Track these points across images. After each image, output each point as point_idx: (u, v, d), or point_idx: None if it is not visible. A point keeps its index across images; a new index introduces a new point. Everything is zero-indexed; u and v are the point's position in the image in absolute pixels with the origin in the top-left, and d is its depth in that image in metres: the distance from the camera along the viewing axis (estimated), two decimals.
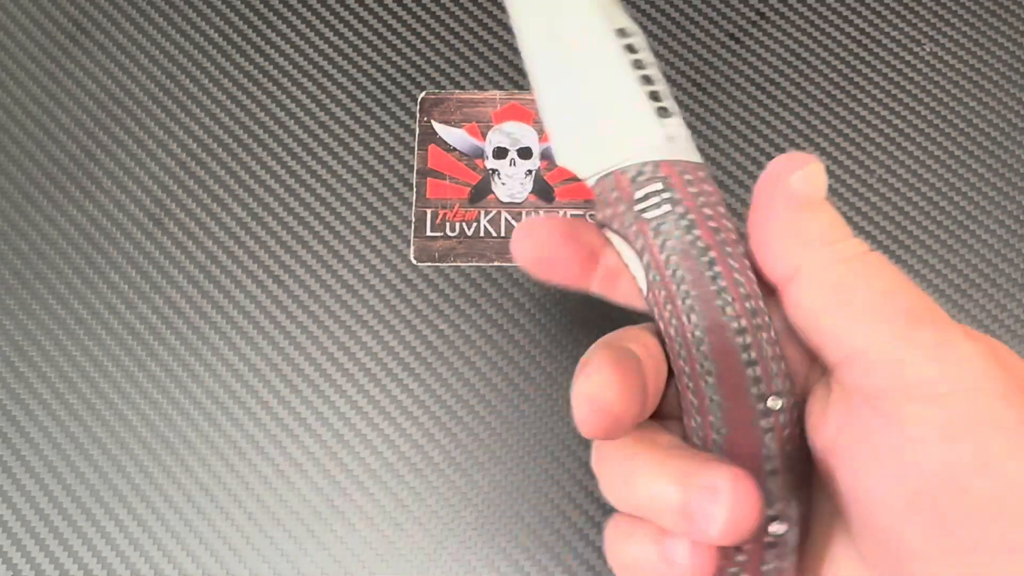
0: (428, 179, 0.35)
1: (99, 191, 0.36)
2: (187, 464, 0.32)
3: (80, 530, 0.31)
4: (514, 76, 0.37)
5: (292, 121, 0.37)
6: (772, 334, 0.19)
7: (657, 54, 0.37)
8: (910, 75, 0.37)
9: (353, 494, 0.32)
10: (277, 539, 0.31)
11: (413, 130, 0.36)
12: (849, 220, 0.35)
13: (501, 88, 0.37)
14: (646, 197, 0.19)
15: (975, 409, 0.17)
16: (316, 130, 0.36)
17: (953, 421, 0.17)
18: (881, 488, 0.18)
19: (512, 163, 0.36)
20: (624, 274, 0.21)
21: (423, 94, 0.37)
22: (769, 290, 0.20)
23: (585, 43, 0.21)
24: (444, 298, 0.34)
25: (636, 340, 0.20)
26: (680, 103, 0.36)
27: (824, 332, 0.19)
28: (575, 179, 0.35)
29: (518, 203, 0.35)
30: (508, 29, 0.38)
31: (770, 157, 0.36)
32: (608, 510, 0.20)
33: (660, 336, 0.20)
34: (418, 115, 0.36)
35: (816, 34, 0.38)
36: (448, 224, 0.35)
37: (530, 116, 0.36)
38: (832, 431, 0.19)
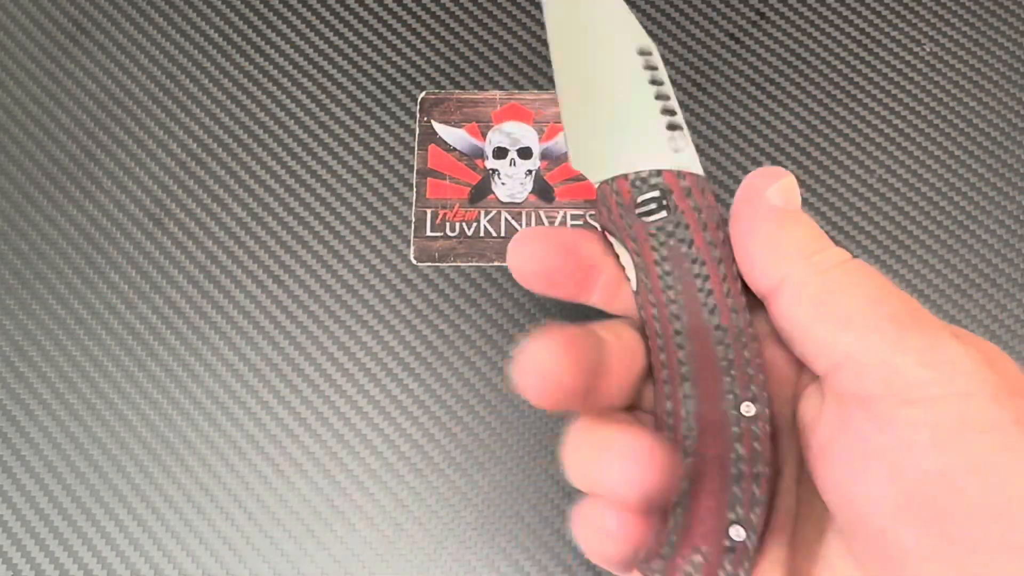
0: (428, 179, 0.35)
1: (99, 191, 0.36)
2: (187, 464, 0.32)
3: (80, 530, 0.31)
4: (514, 76, 0.37)
5: (292, 121, 0.37)
6: (754, 345, 0.20)
7: None
8: (910, 75, 0.37)
9: (353, 494, 0.32)
10: (277, 539, 0.31)
11: (413, 130, 0.36)
12: (849, 221, 0.35)
13: (501, 88, 0.37)
14: (646, 203, 0.20)
15: (966, 411, 0.17)
16: (316, 130, 0.36)
17: (945, 423, 0.17)
18: (875, 491, 0.18)
19: (512, 163, 0.36)
20: (624, 287, 0.21)
21: (423, 94, 0.37)
22: (756, 301, 0.20)
23: (609, 58, 0.23)
24: (444, 298, 0.34)
25: (609, 327, 0.20)
26: (680, 103, 0.36)
27: (812, 341, 0.19)
28: (575, 179, 0.35)
29: (518, 203, 0.35)
30: (508, 29, 0.38)
31: (770, 157, 0.36)
32: None
33: (643, 332, 0.21)
34: (418, 115, 0.36)
35: (816, 34, 0.38)
36: (448, 224, 0.35)
37: (530, 116, 0.36)
38: (825, 435, 0.19)
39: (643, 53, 0.23)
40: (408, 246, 0.35)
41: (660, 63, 0.23)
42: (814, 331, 0.18)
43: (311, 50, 0.38)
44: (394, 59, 0.37)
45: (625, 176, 0.21)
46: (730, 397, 0.19)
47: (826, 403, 0.19)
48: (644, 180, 0.21)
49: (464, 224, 0.35)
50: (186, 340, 0.34)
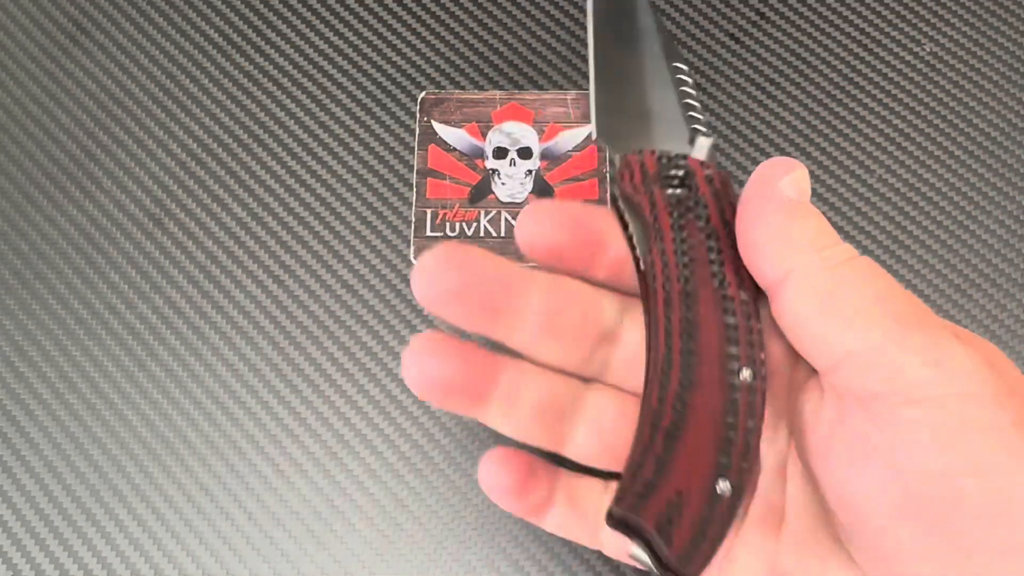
0: (428, 179, 0.35)
1: (99, 191, 0.36)
2: (187, 464, 0.32)
3: (80, 530, 0.31)
4: (514, 76, 0.37)
5: (292, 121, 0.37)
6: (756, 321, 0.20)
7: None
8: (910, 75, 0.37)
9: (353, 494, 0.32)
10: (277, 539, 0.31)
11: (413, 130, 0.36)
12: (849, 220, 0.35)
13: (501, 88, 0.37)
14: (669, 178, 0.21)
15: (967, 412, 0.17)
16: (316, 130, 0.36)
17: (946, 424, 0.17)
18: (874, 490, 0.18)
19: (512, 163, 0.36)
20: (630, 266, 0.21)
21: (423, 94, 0.37)
22: (757, 293, 0.20)
23: (650, 70, 0.24)
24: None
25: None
26: None
27: (815, 337, 0.19)
28: (575, 179, 0.35)
29: (518, 203, 0.35)
30: (508, 29, 0.38)
31: (770, 157, 0.36)
32: None
33: (644, 296, 0.22)
34: (418, 115, 0.36)
35: (816, 34, 0.38)
36: (448, 224, 0.35)
37: (530, 116, 0.36)
38: (824, 432, 0.19)
39: (678, 71, 0.24)
40: (408, 246, 0.35)
41: (692, 83, 0.24)
42: (818, 326, 0.18)
43: (311, 50, 0.38)
44: (394, 59, 0.37)
45: (653, 150, 0.21)
46: (731, 364, 0.20)
47: (826, 399, 0.19)
48: (671, 159, 0.21)
49: (464, 224, 0.35)
50: (186, 340, 0.34)
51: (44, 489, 0.32)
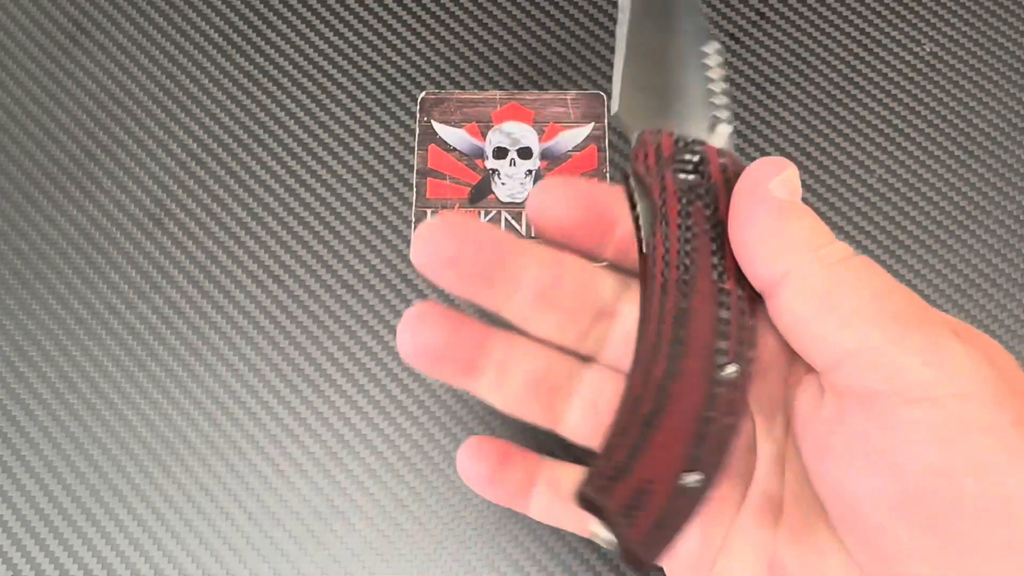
0: (428, 179, 0.35)
1: (99, 191, 0.36)
2: (187, 464, 0.32)
3: (80, 530, 0.31)
4: (514, 76, 0.37)
5: (292, 121, 0.37)
6: (750, 319, 0.20)
7: None
8: (910, 75, 0.37)
9: (353, 494, 0.32)
10: (277, 539, 0.31)
11: (413, 130, 0.36)
12: (849, 220, 0.35)
13: (501, 88, 0.37)
14: (683, 162, 0.21)
15: (968, 411, 0.17)
16: (316, 130, 0.36)
17: (946, 423, 0.17)
18: (874, 488, 0.18)
19: (512, 163, 0.36)
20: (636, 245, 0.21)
21: (423, 94, 0.37)
22: (755, 291, 0.20)
23: (683, 50, 0.24)
24: (444, 298, 0.34)
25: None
26: None
27: (813, 337, 0.19)
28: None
29: (518, 203, 0.35)
30: (508, 29, 0.38)
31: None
32: None
33: (643, 277, 0.21)
34: (418, 115, 0.36)
35: (816, 34, 0.38)
36: None
37: (530, 116, 0.36)
38: (822, 430, 0.19)
39: (708, 55, 0.24)
40: (408, 246, 0.35)
41: (723, 76, 0.24)
42: (817, 326, 0.18)
43: (311, 50, 0.38)
44: (394, 59, 0.37)
45: (671, 133, 0.21)
46: (718, 358, 0.20)
47: (825, 398, 0.19)
48: (688, 143, 0.21)
49: None
50: (186, 340, 0.34)
51: (44, 489, 0.32)
